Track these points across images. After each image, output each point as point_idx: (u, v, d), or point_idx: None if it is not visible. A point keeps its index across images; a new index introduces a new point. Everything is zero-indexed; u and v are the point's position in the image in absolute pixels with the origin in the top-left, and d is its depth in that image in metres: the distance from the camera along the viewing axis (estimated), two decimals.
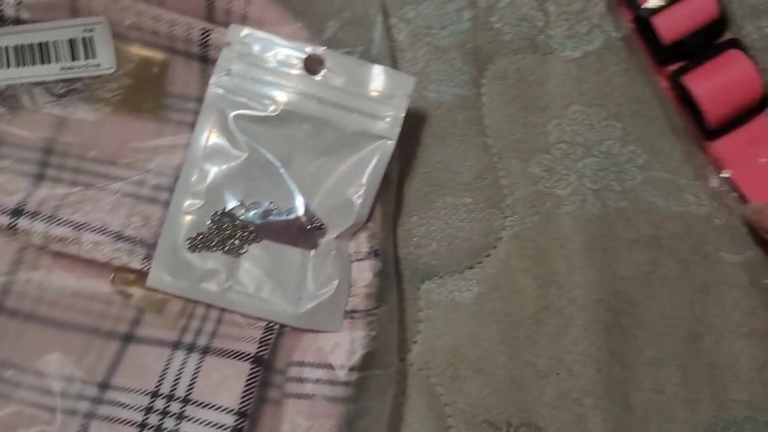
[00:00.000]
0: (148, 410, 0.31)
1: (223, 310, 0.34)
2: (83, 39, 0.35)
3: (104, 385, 0.32)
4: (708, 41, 0.37)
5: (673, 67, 0.38)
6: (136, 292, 0.34)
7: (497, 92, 0.39)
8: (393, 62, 0.38)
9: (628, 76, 0.39)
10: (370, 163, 0.34)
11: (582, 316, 0.37)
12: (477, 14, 0.39)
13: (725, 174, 0.37)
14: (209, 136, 0.34)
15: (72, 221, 0.34)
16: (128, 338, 0.34)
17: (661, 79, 0.38)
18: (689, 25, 0.37)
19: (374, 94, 0.34)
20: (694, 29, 0.37)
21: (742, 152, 0.37)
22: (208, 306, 0.34)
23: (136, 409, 0.31)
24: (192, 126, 0.35)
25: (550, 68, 0.39)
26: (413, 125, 0.38)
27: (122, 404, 0.32)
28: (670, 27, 0.36)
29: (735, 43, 0.37)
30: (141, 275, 0.34)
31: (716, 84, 0.36)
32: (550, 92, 0.39)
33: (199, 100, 0.35)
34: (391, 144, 0.34)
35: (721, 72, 0.36)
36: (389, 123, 0.34)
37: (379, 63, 0.34)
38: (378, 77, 0.34)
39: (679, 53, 0.37)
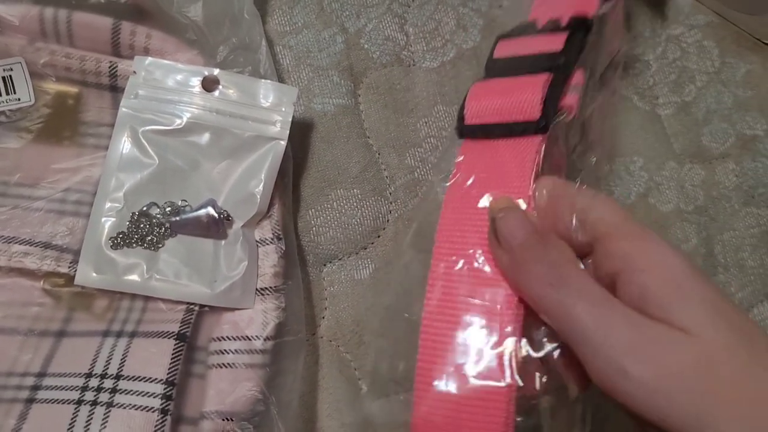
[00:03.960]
0: (84, 389, 0.34)
1: (147, 299, 0.38)
2: (3, 77, 0.40)
3: (41, 375, 0.36)
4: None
5: None
6: (65, 294, 0.38)
7: (372, 100, 0.45)
8: (280, 81, 0.44)
9: (478, 78, 0.46)
10: (267, 161, 0.39)
11: None
12: (348, 38, 0.46)
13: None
14: (123, 149, 0.39)
15: (1, 236, 0.38)
16: (61, 334, 0.37)
17: None
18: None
19: (265, 104, 0.40)
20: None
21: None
22: (133, 298, 0.38)
23: (71, 389, 0.35)
24: (107, 148, 0.40)
25: (414, 77, 0.46)
26: (304, 133, 0.44)
27: (59, 387, 0.35)
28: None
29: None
30: (69, 278, 0.38)
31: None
32: (417, 97, 0.46)
33: (113, 125, 0.40)
34: (283, 144, 0.40)
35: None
36: (280, 127, 0.40)
37: (267, 80, 0.41)
38: (266, 90, 0.40)
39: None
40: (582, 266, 0.28)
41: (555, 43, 0.36)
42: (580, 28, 0.36)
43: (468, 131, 0.36)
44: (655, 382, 0.24)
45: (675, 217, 0.45)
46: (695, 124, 0.47)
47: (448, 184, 0.34)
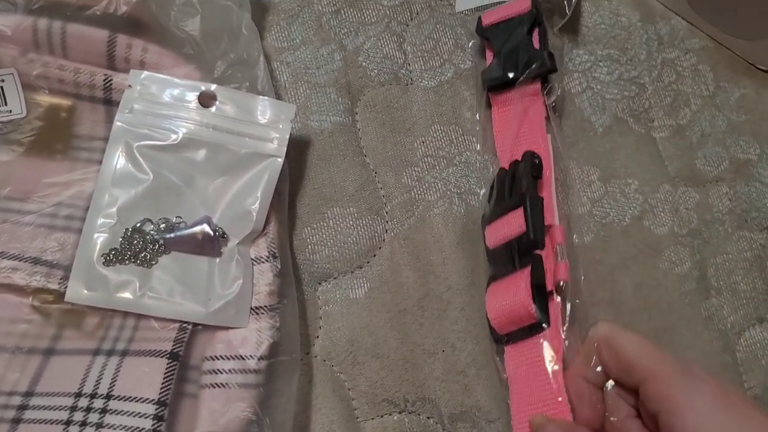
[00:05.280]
0: (73, 409, 0.34)
1: (139, 317, 0.37)
2: None
3: (28, 394, 0.35)
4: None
5: None
6: (54, 311, 0.37)
7: (369, 118, 0.45)
8: (277, 97, 0.44)
9: (476, 98, 0.46)
10: (263, 178, 0.39)
11: (458, 299, 0.42)
12: (346, 55, 0.46)
13: None
14: (117, 164, 0.38)
15: None
16: (50, 352, 0.36)
17: None
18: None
19: (262, 120, 0.40)
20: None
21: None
22: (125, 316, 0.37)
23: (60, 410, 0.34)
24: (101, 163, 0.39)
25: (412, 96, 0.46)
26: (301, 150, 0.44)
27: (47, 407, 0.34)
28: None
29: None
30: (59, 295, 0.37)
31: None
32: (414, 116, 0.46)
33: (106, 139, 0.39)
34: (279, 161, 0.39)
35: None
36: (277, 144, 0.39)
37: (265, 95, 0.40)
38: (264, 106, 0.40)
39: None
40: None
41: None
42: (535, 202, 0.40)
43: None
44: None
45: (669, 240, 0.45)
46: (690, 147, 0.48)
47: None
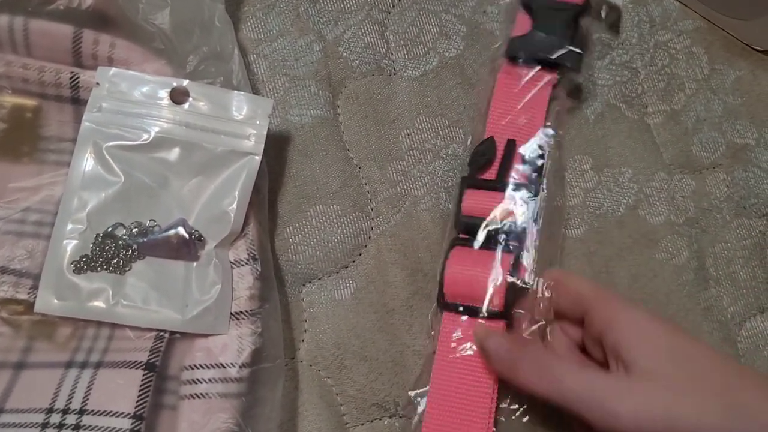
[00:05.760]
0: (44, 426, 0.32)
1: (113, 327, 0.36)
2: None
3: None
4: None
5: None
6: (25, 322, 0.35)
7: (352, 111, 0.43)
8: (254, 92, 0.42)
9: (463, 88, 0.45)
10: (240, 177, 0.37)
11: None
12: (326, 46, 0.44)
13: None
14: (86, 166, 0.36)
15: None
16: (20, 366, 0.35)
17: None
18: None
19: (238, 117, 0.38)
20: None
21: None
22: (99, 325, 0.36)
23: (31, 427, 0.32)
24: (69, 164, 0.37)
25: (395, 87, 0.44)
26: (281, 146, 0.42)
27: (17, 424, 0.32)
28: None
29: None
30: (29, 305, 0.35)
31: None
32: (398, 107, 0.44)
33: (75, 140, 0.37)
34: (257, 159, 0.37)
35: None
36: (254, 141, 0.38)
37: (240, 91, 0.38)
38: (239, 102, 0.38)
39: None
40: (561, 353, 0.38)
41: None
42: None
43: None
44: (637, 417, 0.31)
45: (666, 229, 0.44)
46: (685, 133, 0.46)
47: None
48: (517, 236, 0.40)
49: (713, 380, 0.32)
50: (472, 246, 0.40)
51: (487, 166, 0.41)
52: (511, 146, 0.42)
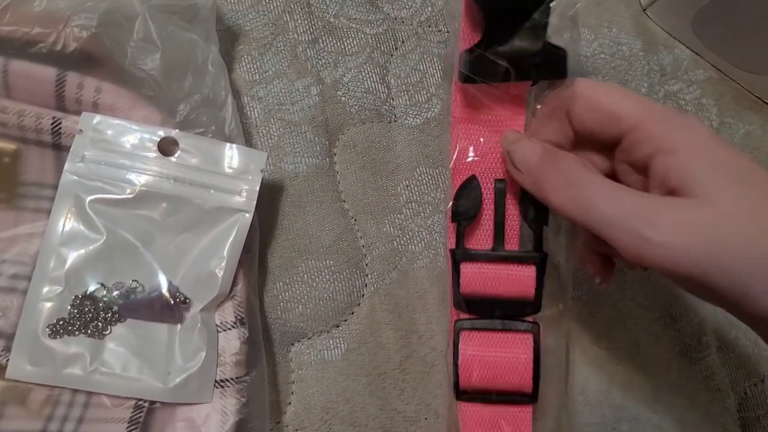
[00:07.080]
0: None
1: (89, 393, 0.34)
2: None
3: None
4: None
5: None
6: None
7: (349, 160, 0.41)
8: (247, 138, 0.40)
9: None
10: (230, 236, 0.35)
11: (443, 361, 0.39)
12: (324, 89, 0.42)
13: None
14: (66, 222, 0.34)
15: None
16: None
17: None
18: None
19: (229, 170, 0.36)
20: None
21: None
22: (75, 391, 0.34)
23: None
24: (50, 213, 0.35)
25: (395, 135, 0.42)
26: (273, 196, 0.40)
27: None
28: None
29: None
30: (1, 368, 0.33)
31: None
32: (398, 157, 0.42)
33: (56, 187, 0.35)
34: (248, 216, 0.36)
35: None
36: (245, 197, 0.36)
37: (233, 141, 0.36)
38: (231, 155, 0.36)
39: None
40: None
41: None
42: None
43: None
44: (671, 241, 0.27)
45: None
46: None
47: None
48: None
49: None
50: (479, 329, 0.36)
51: (474, 220, 0.36)
52: (501, 191, 0.36)
